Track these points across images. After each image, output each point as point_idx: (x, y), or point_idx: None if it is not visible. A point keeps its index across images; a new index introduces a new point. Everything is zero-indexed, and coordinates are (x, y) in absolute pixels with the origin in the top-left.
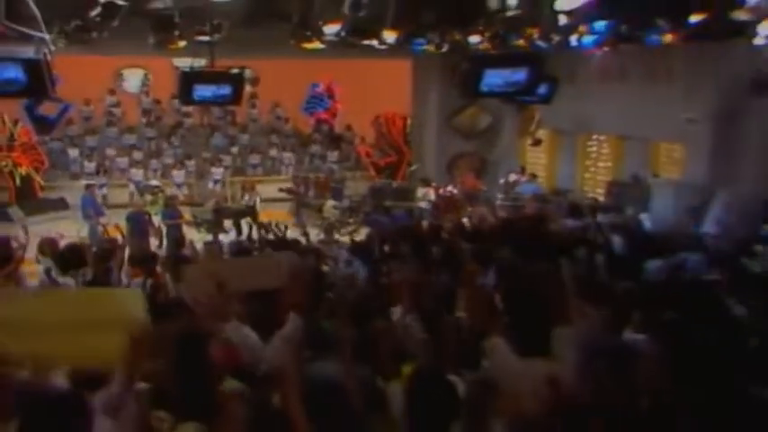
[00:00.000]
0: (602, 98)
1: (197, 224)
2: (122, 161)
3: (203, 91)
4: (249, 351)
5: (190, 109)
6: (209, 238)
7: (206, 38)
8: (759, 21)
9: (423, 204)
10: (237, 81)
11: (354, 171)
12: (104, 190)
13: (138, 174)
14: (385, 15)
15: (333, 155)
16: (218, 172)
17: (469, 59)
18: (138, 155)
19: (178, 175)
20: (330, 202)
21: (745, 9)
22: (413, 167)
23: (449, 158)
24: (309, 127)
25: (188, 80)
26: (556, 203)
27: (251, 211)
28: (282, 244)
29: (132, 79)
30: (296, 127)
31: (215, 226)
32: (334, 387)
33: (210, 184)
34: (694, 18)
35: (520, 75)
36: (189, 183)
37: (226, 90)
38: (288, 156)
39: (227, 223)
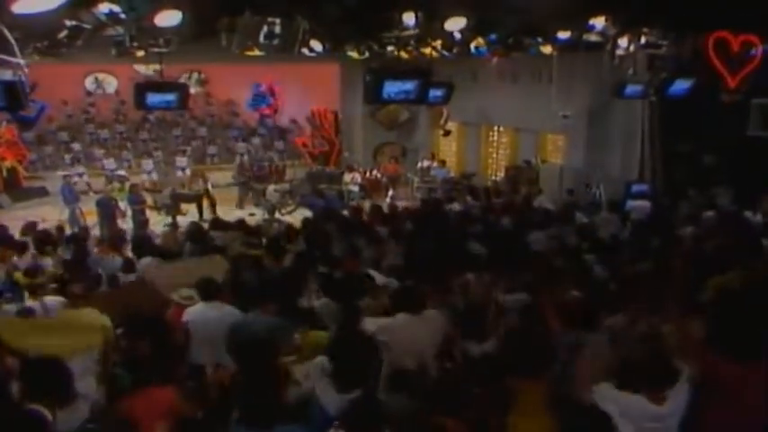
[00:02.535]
0: (499, 96)
1: (158, 208)
2: (98, 153)
3: (154, 98)
4: None
5: None
6: (169, 219)
7: (160, 50)
8: (606, 41)
9: (351, 187)
10: (182, 90)
11: (294, 159)
12: (85, 177)
13: (111, 163)
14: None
15: (279, 144)
16: (182, 161)
17: (370, 73)
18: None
19: (147, 163)
20: (272, 187)
21: (595, 33)
22: (346, 155)
23: (374, 147)
24: (255, 121)
25: (141, 90)
26: (462, 186)
27: (202, 196)
28: (232, 225)
29: (109, 83)
30: (245, 121)
31: (173, 209)
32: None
33: (179, 173)
34: (562, 35)
35: (411, 84)
36: (156, 171)
37: (172, 97)
38: (242, 146)
39: (186, 206)
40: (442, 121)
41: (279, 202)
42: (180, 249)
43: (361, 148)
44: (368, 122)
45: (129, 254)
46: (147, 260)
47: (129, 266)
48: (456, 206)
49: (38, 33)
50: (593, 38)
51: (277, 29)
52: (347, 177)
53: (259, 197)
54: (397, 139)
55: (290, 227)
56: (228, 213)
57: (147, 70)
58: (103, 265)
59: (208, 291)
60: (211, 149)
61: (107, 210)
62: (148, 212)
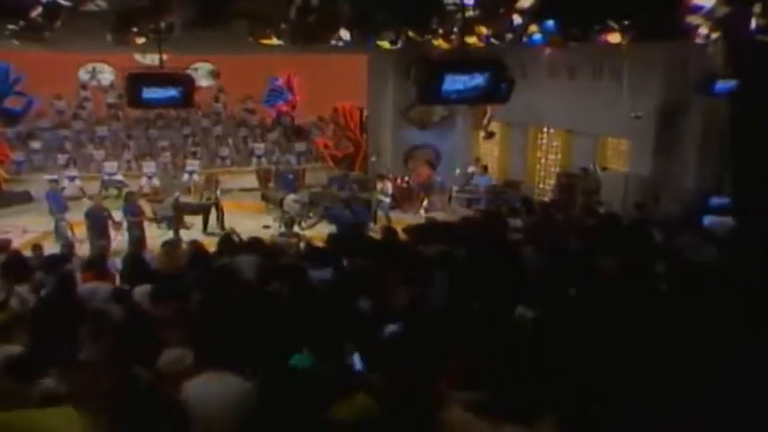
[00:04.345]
0: (551, 93)
1: (156, 221)
2: (97, 153)
3: (151, 93)
4: None
5: None
6: (171, 234)
7: (162, 35)
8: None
9: (381, 197)
10: (186, 83)
11: (315, 162)
12: (78, 182)
13: (111, 166)
14: (338, 17)
15: (300, 146)
16: (192, 164)
17: (427, 64)
18: (110, 147)
19: (148, 165)
20: (291, 196)
21: (700, 15)
22: (373, 159)
23: (405, 150)
24: (271, 119)
25: (135, 82)
26: (509, 196)
27: (211, 207)
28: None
29: (104, 74)
30: (261, 119)
31: (175, 222)
32: None
33: (185, 177)
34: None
35: (480, 79)
36: (161, 174)
37: (174, 92)
38: (259, 146)
39: (192, 218)
40: (484, 121)
41: (298, 214)
42: (180, 275)
43: (389, 151)
44: (398, 122)
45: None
46: (142, 289)
47: (120, 297)
48: (518, 222)
49: (7, 10)
50: (696, 21)
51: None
52: (378, 186)
53: (276, 206)
54: (430, 141)
55: (311, 247)
56: (240, 224)
57: (148, 60)
58: (90, 297)
59: (212, 354)
60: (223, 151)
61: (97, 222)
62: (147, 226)
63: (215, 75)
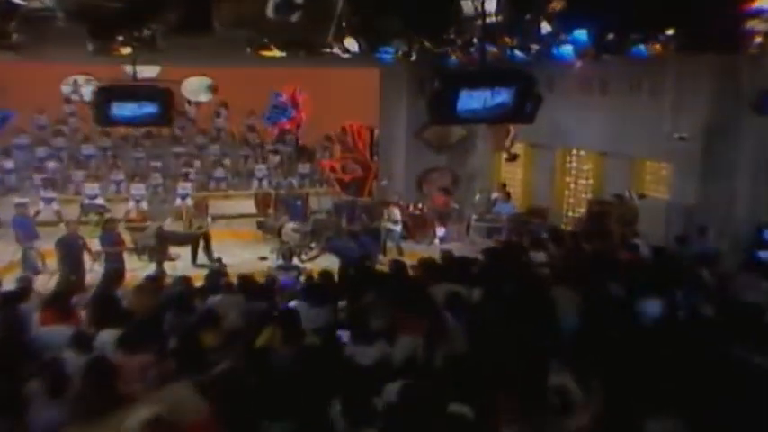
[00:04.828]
0: (582, 111)
1: (137, 252)
2: (76, 174)
3: (122, 110)
4: None
5: None
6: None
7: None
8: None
9: (390, 225)
10: (164, 97)
11: (319, 187)
12: (55, 205)
13: (92, 188)
14: (328, 17)
15: (304, 168)
16: (185, 187)
17: (441, 77)
18: (92, 166)
19: (137, 188)
20: (290, 225)
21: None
22: (384, 183)
23: (419, 174)
24: (272, 137)
25: (104, 97)
26: (535, 226)
27: (200, 237)
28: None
29: (88, 87)
30: (262, 137)
31: (159, 253)
32: None
33: (178, 201)
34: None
35: (503, 96)
36: (150, 198)
37: (150, 108)
38: (260, 168)
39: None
40: (507, 143)
41: (298, 245)
42: (156, 317)
43: (402, 175)
44: (412, 142)
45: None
46: (106, 335)
47: (81, 342)
48: (541, 256)
49: None
50: (758, 27)
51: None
52: (385, 213)
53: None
54: (447, 164)
55: (311, 284)
56: (234, 254)
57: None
58: (47, 342)
59: None
60: (218, 173)
61: (70, 252)
62: (128, 257)
63: (213, 89)
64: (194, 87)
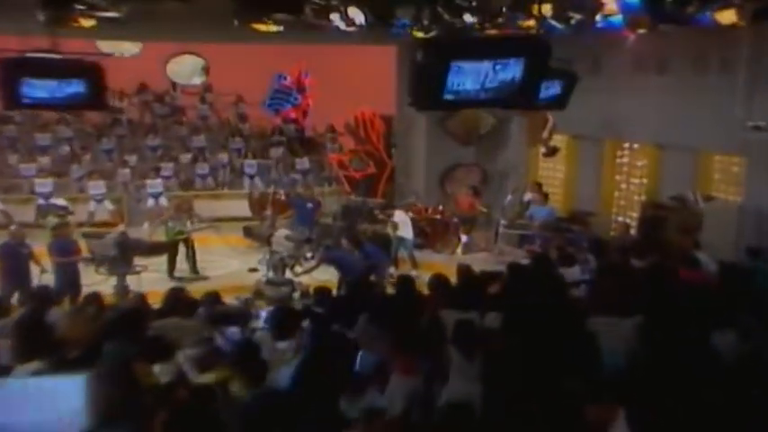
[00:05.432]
0: (635, 95)
1: (95, 263)
2: (25, 168)
3: (37, 89)
4: None
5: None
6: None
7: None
8: None
9: (402, 233)
10: (93, 74)
11: (328, 186)
12: None
13: (43, 185)
14: None
15: (302, 162)
16: (154, 185)
17: (426, 48)
18: (45, 160)
19: (96, 186)
20: (281, 232)
21: None
22: (401, 182)
23: (442, 170)
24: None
25: (12, 73)
26: (573, 235)
27: (178, 244)
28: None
29: None
30: (259, 127)
31: (120, 265)
32: None
33: (150, 201)
34: None
35: (510, 71)
36: (116, 198)
37: (75, 87)
38: (251, 163)
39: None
40: (544, 134)
41: (292, 255)
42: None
43: (422, 172)
44: (434, 133)
45: None
46: (28, 368)
47: None
48: (575, 272)
49: None
50: None
51: None
52: (396, 217)
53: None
54: (475, 159)
55: (291, 312)
56: (221, 265)
57: (111, 48)
58: None
59: None
60: (201, 168)
61: (12, 262)
62: (84, 269)
63: (206, 71)
64: (187, 69)
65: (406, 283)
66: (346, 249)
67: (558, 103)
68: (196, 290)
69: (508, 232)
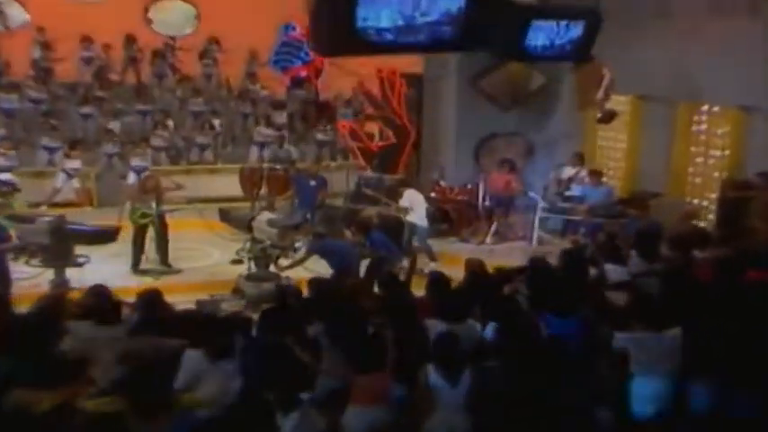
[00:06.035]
0: (715, 47)
1: (27, 253)
2: None
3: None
4: None
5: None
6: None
7: None
8: None
9: (414, 220)
10: None
11: (343, 159)
12: None
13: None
14: None
15: (324, 134)
16: (136, 162)
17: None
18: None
19: (72, 161)
20: (264, 216)
21: None
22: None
23: (477, 141)
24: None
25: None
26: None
27: (144, 229)
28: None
29: (14, 12)
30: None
31: (56, 256)
32: None
33: (131, 177)
34: None
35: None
36: (90, 173)
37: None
38: (266, 132)
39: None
40: (599, 94)
41: (276, 245)
42: None
43: (452, 143)
44: (467, 95)
45: None
46: None
47: None
48: (619, 271)
49: None
50: None
51: None
52: (405, 199)
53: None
54: (518, 128)
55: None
56: (199, 255)
57: None
58: None
59: None
60: (200, 137)
61: None
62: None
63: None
64: (176, 18)
65: (391, 283)
66: (349, 237)
67: (578, 50)
68: (166, 286)
69: (549, 216)
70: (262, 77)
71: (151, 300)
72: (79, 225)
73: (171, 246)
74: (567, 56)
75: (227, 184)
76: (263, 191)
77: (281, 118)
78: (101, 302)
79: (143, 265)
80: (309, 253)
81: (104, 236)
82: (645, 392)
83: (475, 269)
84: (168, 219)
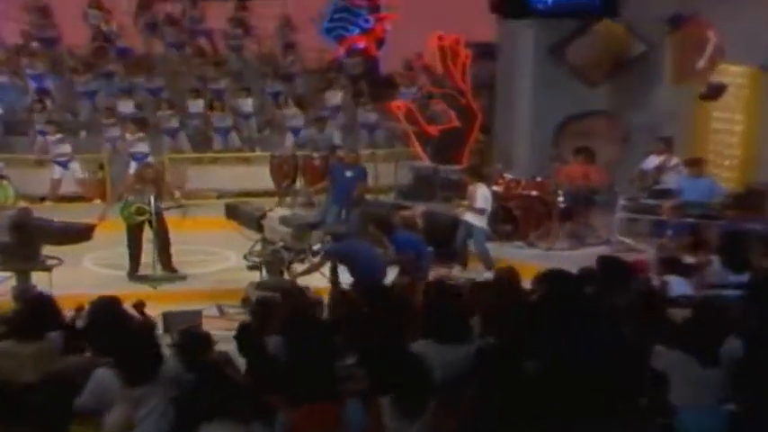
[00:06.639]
0: None
1: None
2: None
3: None
4: None
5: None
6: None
7: None
8: None
9: (471, 220)
10: None
11: (396, 145)
12: None
13: None
14: None
15: (368, 115)
16: (135, 143)
17: None
18: None
19: (58, 145)
20: (276, 212)
21: None
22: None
23: (557, 124)
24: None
25: None
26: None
27: (137, 227)
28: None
29: None
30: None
31: (19, 257)
32: None
33: (132, 165)
34: None
35: None
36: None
37: None
38: (294, 114)
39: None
40: (700, 63)
41: (290, 247)
42: None
43: (526, 126)
44: (546, 67)
45: None
46: None
47: None
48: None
49: None
50: None
51: None
52: (479, 196)
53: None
54: (610, 107)
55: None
56: (213, 258)
57: None
58: None
59: None
60: (219, 120)
61: None
62: None
63: None
64: None
65: (379, 297)
66: (371, 239)
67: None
68: (164, 295)
69: (631, 216)
70: (303, 48)
71: (97, 310)
72: (46, 220)
73: (183, 248)
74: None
75: (257, 174)
76: (299, 183)
77: (332, 98)
78: (24, 314)
79: (143, 271)
80: (326, 257)
81: (74, 234)
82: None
83: (506, 279)
84: (182, 216)
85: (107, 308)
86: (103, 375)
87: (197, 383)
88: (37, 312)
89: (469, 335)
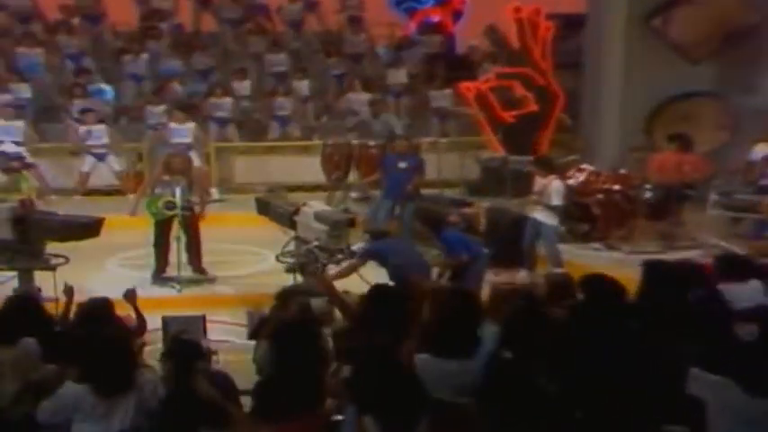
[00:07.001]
0: None
1: None
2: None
3: None
4: None
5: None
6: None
7: None
8: None
9: (540, 217)
10: None
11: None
12: None
13: (8, 130)
14: None
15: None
16: (178, 125)
17: None
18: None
19: (98, 131)
20: (311, 207)
21: None
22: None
23: (651, 107)
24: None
25: None
26: None
27: (166, 223)
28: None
29: None
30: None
31: (21, 255)
32: None
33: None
34: None
35: None
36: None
37: None
38: (360, 98)
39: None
40: None
41: (324, 247)
42: None
43: (613, 109)
44: (639, 40)
45: None
46: None
47: None
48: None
49: None
50: None
51: None
52: (538, 185)
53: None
54: (716, 88)
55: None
56: (251, 257)
57: None
58: None
59: None
60: (279, 104)
61: None
62: None
63: None
64: None
65: (380, 300)
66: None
67: None
68: (187, 299)
69: (724, 214)
70: (370, 25)
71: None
72: (48, 213)
73: (219, 247)
74: None
75: (313, 165)
76: (354, 176)
77: (395, 78)
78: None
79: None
80: (362, 258)
81: (78, 228)
82: None
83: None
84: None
85: (92, 311)
86: (71, 387)
87: (166, 398)
88: (15, 315)
89: (476, 348)
